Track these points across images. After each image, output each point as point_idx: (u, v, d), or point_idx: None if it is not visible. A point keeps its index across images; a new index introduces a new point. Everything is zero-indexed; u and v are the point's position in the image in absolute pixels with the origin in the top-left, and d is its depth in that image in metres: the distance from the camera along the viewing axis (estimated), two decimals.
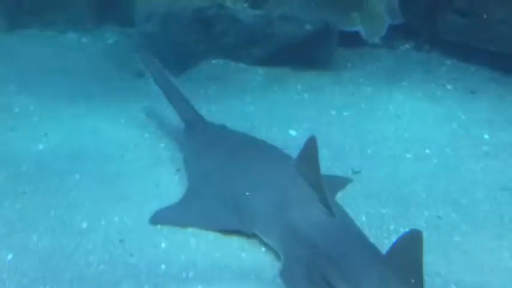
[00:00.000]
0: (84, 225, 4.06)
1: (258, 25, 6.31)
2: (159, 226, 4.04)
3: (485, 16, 6.43)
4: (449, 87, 6.09)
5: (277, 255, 3.76)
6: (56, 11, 7.44)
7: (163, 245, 3.89)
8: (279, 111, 5.66)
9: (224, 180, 4.14)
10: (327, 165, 4.60)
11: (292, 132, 5.31)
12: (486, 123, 5.42)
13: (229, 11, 6.37)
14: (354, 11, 6.89)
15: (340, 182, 4.53)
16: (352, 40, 6.76)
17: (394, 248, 3.19)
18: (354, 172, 4.70)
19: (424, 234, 3.09)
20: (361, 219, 4.07)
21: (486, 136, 5.27)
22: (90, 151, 4.99)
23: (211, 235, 3.96)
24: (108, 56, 6.80)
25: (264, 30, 6.32)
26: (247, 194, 3.97)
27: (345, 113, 5.60)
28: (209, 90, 6.03)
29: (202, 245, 3.89)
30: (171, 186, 4.51)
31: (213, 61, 6.45)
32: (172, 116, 5.15)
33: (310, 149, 3.78)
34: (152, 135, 5.24)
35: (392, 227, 4.09)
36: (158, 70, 5.35)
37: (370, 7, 6.90)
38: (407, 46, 7.02)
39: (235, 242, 3.91)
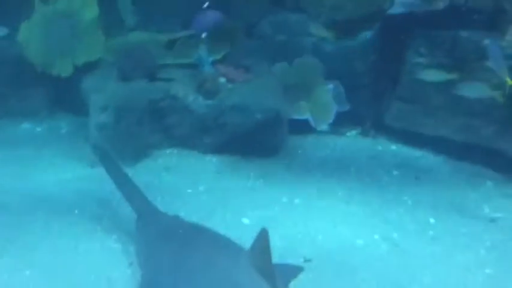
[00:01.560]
0: None
1: (210, 115, 6.51)
2: None
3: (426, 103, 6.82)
4: (395, 172, 6.33)
5: None
6: (11, 102, 7.55)
7: None
8: (232, 200, 5.76)
9: (177, 275, 4.16)
10: (279, 253, 4.67)
11: (245, 221, 5.40)
12: (431, 207, 5.63)
13: (182, 101, 6.57)
14: (302, 100, 7.19)
15: (293, 271, 4.59)
16: (302, 127, 7.01)
17: None
18: (306, 260, 4.79)
19: None
20: None
21: (432, 220, 5.47)
22: (42, 243, 4.98)
23: None
24: (61, 146, 6.87)
25: (216, 120, 6.52)
26: None
27: (296, 200, 5.74)
28: (163, 180, 6.11)
29: None
30: (123, 281, 4.50)
31: (167, 151, 6.58)
32: (124, 207, 5.19)
33: (262, 241, 3.87)
34: (104, 226, 5.26)
35: None
36: (110, 161, 5.43)
37: (317, 95, 7.21)
38: (354, 132, 7.31)
39: None
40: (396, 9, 6.93)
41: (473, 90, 6.09)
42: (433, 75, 6.48)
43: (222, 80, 6.79)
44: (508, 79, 5.82)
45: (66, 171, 6.27)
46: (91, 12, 7.43)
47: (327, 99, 7.18)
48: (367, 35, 7.19)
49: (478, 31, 6.67)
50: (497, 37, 6.43)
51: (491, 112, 6.43)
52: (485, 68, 6.41)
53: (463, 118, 6.61)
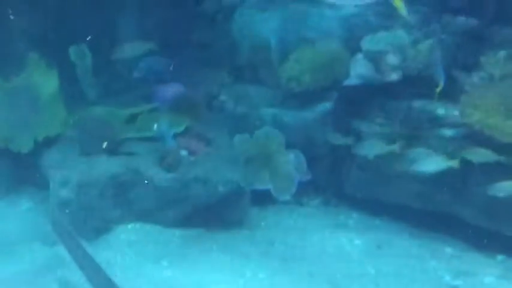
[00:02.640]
0: None
1: (173, 188, 6.53)
2: None
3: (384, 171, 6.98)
4: (357, 241, 6.41)
5: None
6: None
7: None
8: (196, 275, 5.73)
9: None
10: None
11: None
12: (394, 277, 5.69)
13: (144, 175, 6.58)
14: (264, 170, 7.27)
15: None
16: (264, 198, 7.06)
17: None
18: None
19: None
20: None
21: None
22: None
23: None
24: (20, 223, 6.76)
25: (179, 193, 6.54)
26: None
27: (260, 275, 5.73)
28: (125, 256, 6.05)
29: None
30: None
31: (129, 225, 6.53)
32: (85, 286, 5.11)
33: None
34: None
35: None
36: (70, 238, 5.38)
37: (278, 166, 7.30)
38: (316, 201, 7.40)
39: None
40: (352, 80, 7.16)
41: (430, 164, 6.29)
42: (374, 148, 6.69)
43: (184, 152, 6.85)
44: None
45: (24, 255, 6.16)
46: (51, 86, 7.49)
47: (288, 169, 7.27)
48: (325, 105, 7.40)
49: (431, 101, 6.94)
50: (449, 106, 6.74)
51: (445, 178, 6.64)
52: (439, 136, 6.68)
53: (419, 185, 6.77)
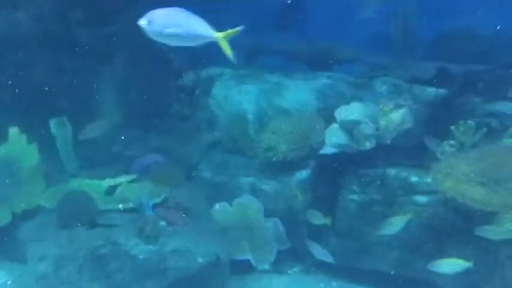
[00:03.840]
0: None
1: (152, 260, 6.52)
2: None
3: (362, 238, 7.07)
4: None
5: None
6: None
7: None
8: None
9: None
10: None
11: None
12: None
13: (123, 247, 6.57)
14: (243, 240, 7.32)
15: None
16: (244, 268, 7.08)
17: None
18: None
19: None
20: None
21: None
22: None
23: None
24: None
25: (158, 265, 6.52)
26: None
27: None
28: None
29: None
30: None
31: None
32: None
33: None
34: None
35: None
36: None
37: (257, 235, 7.36)
38: (295, 269, 7.42)
39: None
40: (328, 149, 7.33)
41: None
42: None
43: (163, 223, 6.88)
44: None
45: None
46: (31, 159, 7.54)
47: (267, 238, 7.34)
48: (302, 174, 7.53)
49: (405, 168, 7.12)
50: (422, 174, 6.91)
51: (421, 244, 6.75)
52: (413, 203, 6.83)
53: (397, 252, 6.88)
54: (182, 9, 4.95)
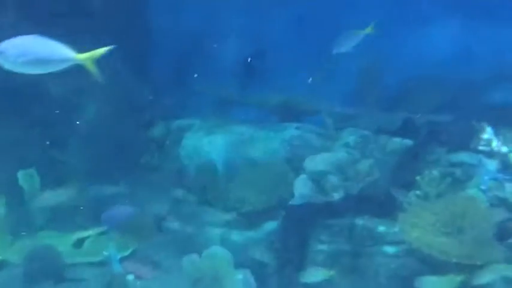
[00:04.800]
0: None
1: None
2: None
3: None
4: None
5: None
6: None
7: None
8: None
9: None
10: None
11: None
12: None
13: None
14: None
15: None
16: None
17: None
18: None
19: None
20: None
21: None
22: None
23: None
24: None
25: None
26: None
27: None
28: None
29: None
30: None
31: None
32: None
33: None
34: None
35: None
36: None
37: (227, 287, 7.31)
38: None
39: None
40: (296, 200, 7.39)
41: None
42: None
43: (130, 277, 6.83)
44: None
45: None
46: None
47: None
48: (271, 225, 7.55)
49: (372, 218, 7.19)
50: (389, 224, 6.99)
51: None
52: (381, 253, 6.88)
53: None
54: (38, 36, 4.69)
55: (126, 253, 7.16)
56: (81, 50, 4.76)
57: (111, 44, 4.91)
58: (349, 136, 7.75)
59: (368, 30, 6.40)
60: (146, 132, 8.49)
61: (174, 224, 7.85)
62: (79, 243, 7.34)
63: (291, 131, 8.02)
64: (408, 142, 7.57)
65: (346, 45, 6.41)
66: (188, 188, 8.02)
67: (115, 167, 8.18)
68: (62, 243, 7.29)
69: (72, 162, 8.11)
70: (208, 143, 8.06)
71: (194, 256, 7.48)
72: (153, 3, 9.15)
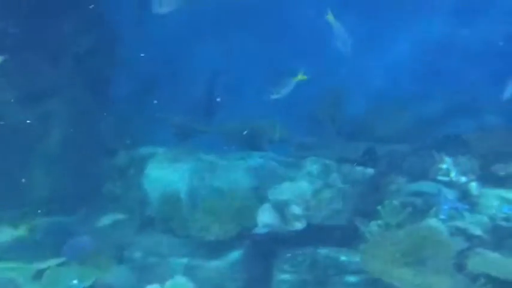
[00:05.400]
0: None
1: None
2: None
3: None
4: None
5: None
6: None
7: None
8: None
9: None
10: None
11: None
12: None
13: None
14: None
15: None
16: None
17: None
18: None
19: None
20: None
21: None
22: None
23: None
24: None
25: None
26: None
27: None
28: None
29: None
30: None
31: None
32: None
33: None
34: None
35: None
36: None
37: None
38: None
39: None
40: (260, 229, 7.40)
41: None
42: None
43: None
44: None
45: None
46: None
47: None
48: (235, 254, 7.54)
49: (335, 248, 7.25)
50: (351, 254, 7.05)
51: None
52: (344, 283, 6.94)
53: None
54: None
55: (88, 284, 7.06)
56: None
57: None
58: (312, 165, 7.84)
59: (299, 77, 6.60)
60: (109, 161, 8.43)
61: (136, 254, 7.77)
62: (39, 274, 7.20)
63: (255, 159, 8.08)
64: (370, 171, 7.70)
65: (282, 91, 6.56)
66: (151, 217, 7.99)
67: (76, 196, 8.09)
68: (21, 274, 7.14)
69: (33, 190, 8.00)
70: (172, 172, 8.04)
71: (157, 286, 7.43)
72: (117, 31, 9.14)
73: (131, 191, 8.19)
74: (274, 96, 6.54)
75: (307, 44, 8.72)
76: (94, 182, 8.26)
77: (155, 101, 8.60)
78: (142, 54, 8.90)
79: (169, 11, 7.49)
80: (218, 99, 8.68)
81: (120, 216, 7.99)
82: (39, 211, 7.69)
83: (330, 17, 6.45)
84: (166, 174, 8.03)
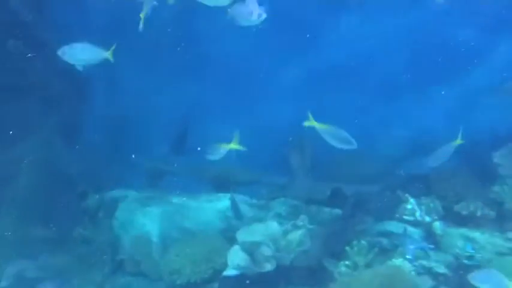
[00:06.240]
0: None
1: None
2: None
3: None
4: None
5: None
6: None
7: None
8: None
9: None
10: None
11: None
12: None
13: None
14: None
15: None
16: None
17: None
18: None
19: None
20: None
21: None
22: None
23: None
24: None
25: None
26: None
27: None
28: None
29: None
30: None
31: None
32: None
33: None
34: None
35: None
36: None
37: None
38: None
39: None
40: (230, 271, 7.47)
41: None
42: None
43: None
44: None
45: None
46: None
47: None
48: None
49: None
50: None
51: None
52: None
53: None
54: None
55: None
56: None
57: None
58: (281, 206, 7.99)
59: (232, 145, 6.88)
60: (79, 204, 8.44)
61: None
62: None
63: (225, 201, 8.19)
64: (337, 212, 7.88)
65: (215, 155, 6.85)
66: (122, 260, 8.00)
67: (47, 240, 8.06)
68: None
69: (2, 234, 7.95)
70: (142, 215, 8.10)
71: None
72: (87, 74, 9.22)
73: (102, 234, 8.21)
74: (210, 157, 6.80)
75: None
76: (64, 226, 8.25)
77: (126, 144, 8.68)
78: (112, 97, 9.01)
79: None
80: (188, 141, 8.78)
81: (91, 259, 7.98)
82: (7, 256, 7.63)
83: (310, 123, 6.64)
84: (137, 217, 8.09)
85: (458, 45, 8.26)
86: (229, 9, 6.17)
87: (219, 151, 6.78)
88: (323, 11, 8.46)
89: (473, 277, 6.27)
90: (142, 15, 6.35)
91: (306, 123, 6.61)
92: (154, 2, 6.41)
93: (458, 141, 6.96)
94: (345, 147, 6.52)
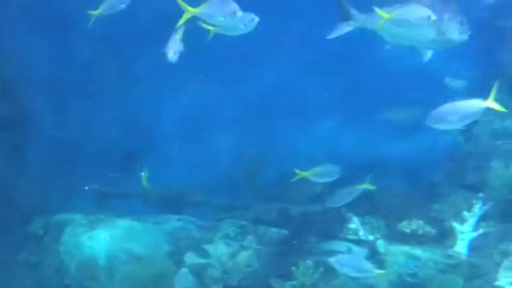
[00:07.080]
0: None
1: None
2: None
3: None
4: None
5: None
6: None
7: None
8: None
9: None
10: None
11: None
12: None
13: None
14: None
15: None
16: None
17: None
18: None
19: None
20: None
21: None
22: None
23: None
24: None
25: None
26: None
27: None
28: None
29: None
30: None
31: None
32: None
33: None
34: None
35: None
36: None
37: None
38: None
39: None
40: None
41: None
42: None
43: None
44: None
45: None
46: None
47: None
48: None
49: None
50: None
51: None
52: None
53: None
54: None
55: None
56: None
57: None
58: (229, 227, 8.04)
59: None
60: (24, 228, 8.30)
61: None
62: None
63: (173, 223, 8.19)
64: (284, 232, 7.98)
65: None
66: (69, 285, 7.90)
67: None
68: None
69: None
70: (89, 238, 8.00)
71: None
72: (34, 93, 9.12)
73: (48, 259, 8.09)
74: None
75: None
76: (9, 251, 8.12)
77: (71, 166, 8.62)
78: (57, 119, 8.94)
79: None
80: (136, 162, 8.75)
81: (37, 284, 7.86)
82: None
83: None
84: (83, 241, 8.00)
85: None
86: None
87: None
88: None
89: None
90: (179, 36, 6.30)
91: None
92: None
93: (366, 186, 7.13)
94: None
